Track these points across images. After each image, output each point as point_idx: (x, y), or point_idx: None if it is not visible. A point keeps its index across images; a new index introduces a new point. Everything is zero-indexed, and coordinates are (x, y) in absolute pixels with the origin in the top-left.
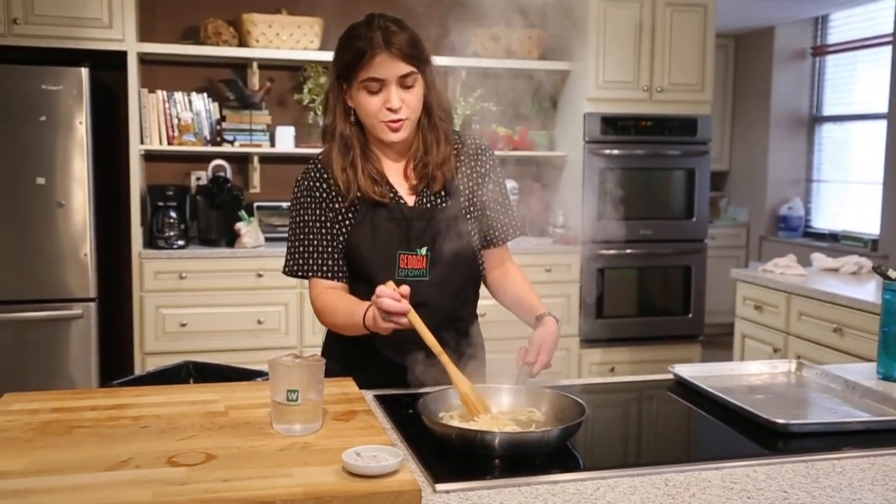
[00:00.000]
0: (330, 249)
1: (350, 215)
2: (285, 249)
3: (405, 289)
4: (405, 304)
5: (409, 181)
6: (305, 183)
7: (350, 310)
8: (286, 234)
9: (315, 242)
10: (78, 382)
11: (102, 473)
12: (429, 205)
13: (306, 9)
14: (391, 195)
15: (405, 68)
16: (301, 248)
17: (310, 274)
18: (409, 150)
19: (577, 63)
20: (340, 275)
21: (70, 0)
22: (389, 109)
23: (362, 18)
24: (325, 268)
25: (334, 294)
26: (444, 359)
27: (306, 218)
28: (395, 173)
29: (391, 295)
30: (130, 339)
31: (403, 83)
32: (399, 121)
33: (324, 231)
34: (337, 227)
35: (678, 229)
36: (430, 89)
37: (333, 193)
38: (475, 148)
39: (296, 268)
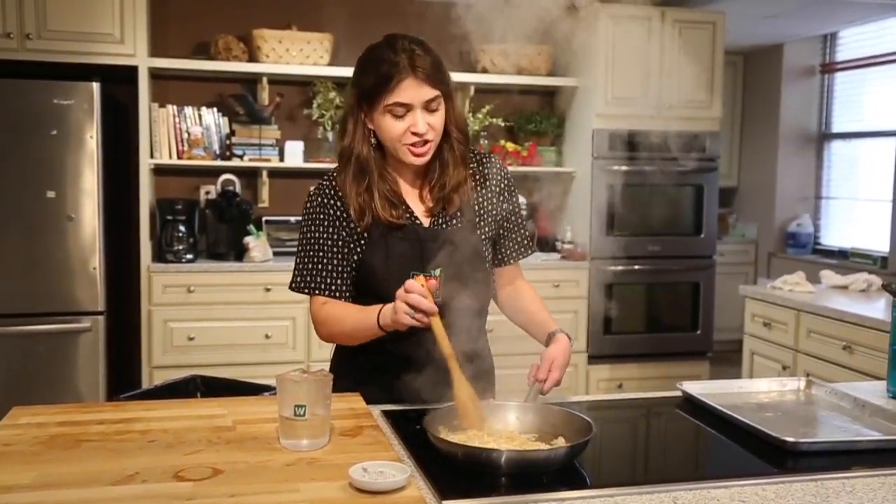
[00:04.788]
0: (339, 269)
1: (365, 234)
2: (293, 264)
3: (433, 283)
4: (433, 305)
5: (426, 203)
6: (319, 199)
7: (361, 315)
8: (294, 249)
9: (325, 261)
10: (86, 396)
11: (109, 488)
12: (444, 226)
13: (316, 25)
14: (407, 216)
15: (431, 92)
16: (310, 266)
17: (316, 291)
18: (426, 172)
19: (586, 79)
20: (347, 294)
21: (82, 16)
22: (415, 133)
23: (383, 39)
24: (333, 286)
25: (337, 304)
26: (453, 363)
27: (317, 235)
28: (412, 195)
29: (420, 291)
30: (138, 353)
31: (428, 107)
32: (424, 144)
33: (335, 249)
34: (350, 245)
35: (686, 246)
36: (450, 111)
37: (348, 213)
38: (490, 167)
39: (303, 284)
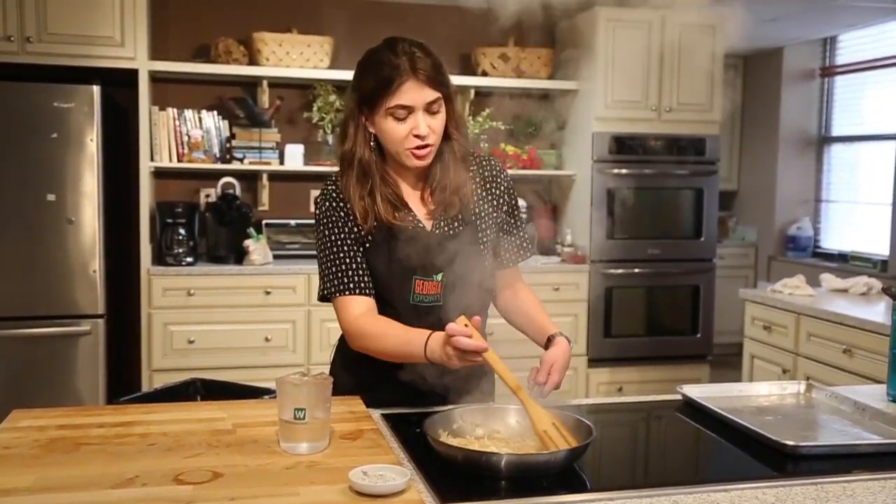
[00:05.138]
0: (364, 266)
1: (369, 237)
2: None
3: (476, 320)
4: (482, 342)
5: (427, 206)
6: (327, 203)
7: (405, 338)
8: (296, 251)
9: (348, 260)
10: (85, 399)
11: (109, 491)
12: (446, 229)
13: (316, 28)
14: (409, 219)
15: (432, 94)
16: (334, 269)
17: (346, 292)
18: (427, 174)
19: (586, 82)
20: (372, 292)
21: (82, 19)
22: (417, 136)
23: (382, 42)
24: (361, 284)
25: (376, 318)
26: (523, 395)
27: (332, 238)
28: (414, 198)
29: (464, 332)
30: (138, 356)
31: (430, 109)
32: (426, 147)
33: (355, 248)
34: (361, 246)
35: (686, 249)
36: (450, 113)
37: (353, 215)
38: (490, 170)
39: (332, 288)
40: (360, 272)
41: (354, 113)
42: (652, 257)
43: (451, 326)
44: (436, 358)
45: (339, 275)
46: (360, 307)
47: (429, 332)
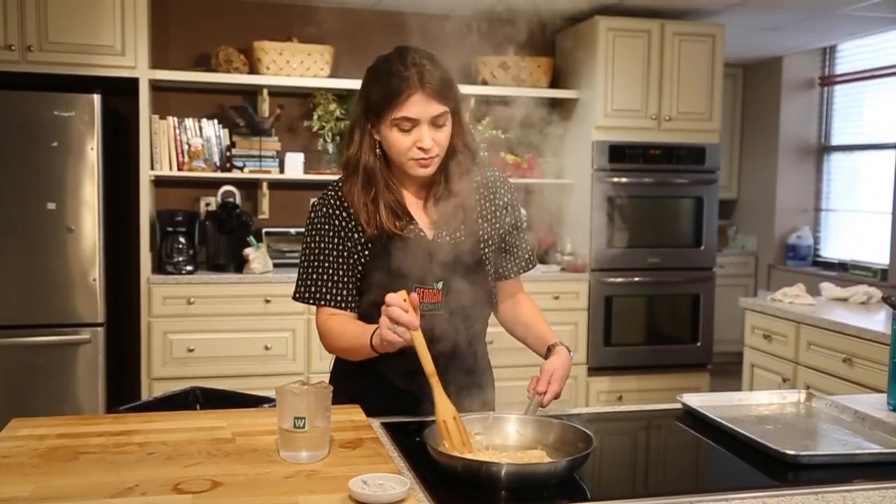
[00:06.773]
0: (345, 279)
1: (369, 245)
2: (296, 273)
3: (414, 298)
4: (414, 319)
5: (430, 215)
6: (324, 209)
7: (359, 332)
8: (296, 259)
9: (330, 271)
10: (85, 408)
11: (108, 500)
12: (448, 238)
13: (316, 37)
14: (411, 227)
15: (439, 108)
16: (314, 276)
17: (322, 302)
18: (431, 184)
19: (586, 91)
20: (353, 305)
21: (83, 28)
22: (420, 149)
23: (393, 51)
24: (338, 297)
25: (342, 318)
26: (434, 381)
27: (322, 245)
28: (416, 207)
29: (401, 304)
30: (138, 365)
31: (435, 122)
32: (430, 157)
33: (340, 260)
34: (355, 256)
35: (686, 257)
36: (457, 126)
37: (353, 223)
38: (494, 180)
39: (307, 294)
40: (340, 285)
41: (361, 119)
42: (652, 266)
43: (390, 296)
44: (377, 343)
45: (319, 284)
46: (333, 311)
47: (376, 326)
